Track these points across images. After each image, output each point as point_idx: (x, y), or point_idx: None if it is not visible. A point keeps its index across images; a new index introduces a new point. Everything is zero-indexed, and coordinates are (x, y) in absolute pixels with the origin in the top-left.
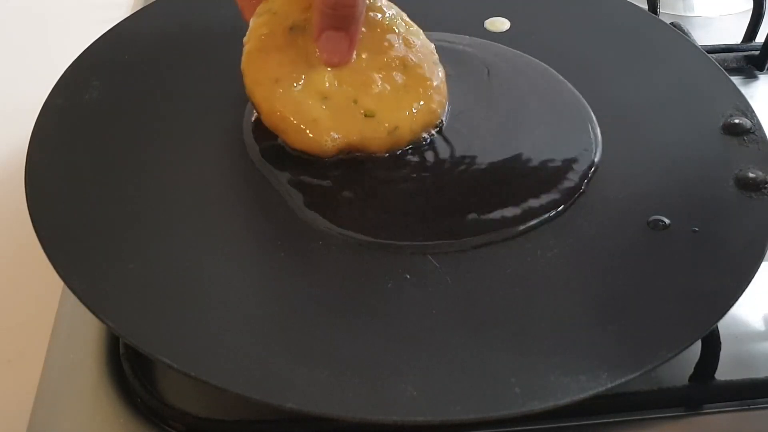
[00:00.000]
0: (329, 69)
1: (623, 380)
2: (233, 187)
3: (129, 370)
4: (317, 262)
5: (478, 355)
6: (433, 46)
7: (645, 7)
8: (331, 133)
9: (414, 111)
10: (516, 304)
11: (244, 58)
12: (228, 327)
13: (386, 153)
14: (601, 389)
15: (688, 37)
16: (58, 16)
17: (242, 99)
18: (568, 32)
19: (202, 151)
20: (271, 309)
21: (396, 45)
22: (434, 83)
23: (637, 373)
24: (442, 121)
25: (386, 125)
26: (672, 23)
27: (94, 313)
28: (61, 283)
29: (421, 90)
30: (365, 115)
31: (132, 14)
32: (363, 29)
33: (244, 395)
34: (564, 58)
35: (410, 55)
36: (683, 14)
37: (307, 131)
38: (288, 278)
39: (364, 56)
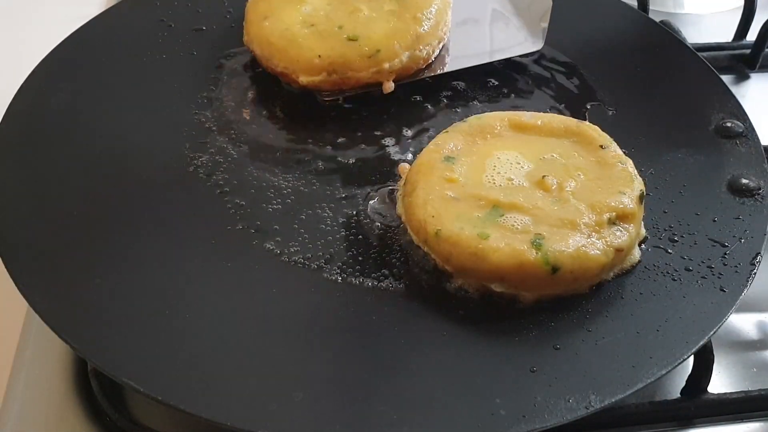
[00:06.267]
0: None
1: (613, 400)
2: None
3: (97, 388)
4: (290, 286)
5: (461, 375)
6: None
7: (635, 4)
8: (314, 51)
9: (399, 36)
10: (502, 321)
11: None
12: (198, 348)
13: (372, 77)
14: (589, 412)
15: (679, 35)
16: (25, 12)
17: (220, 98)
18: (553, 30)
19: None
20: (243, 330)
21: None
22: (426, 9)
23: (627, 393)
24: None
25: (366, 49)
26: (662, 21)
27: (57, 333)
28: None
29: (408, 16)
30: (348, 39)
31: (105, 10)
32: None
33: (216, 422)
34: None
35: None
36: (673, 11)
37: (290, 50)
38: (260, 301)
39: None
